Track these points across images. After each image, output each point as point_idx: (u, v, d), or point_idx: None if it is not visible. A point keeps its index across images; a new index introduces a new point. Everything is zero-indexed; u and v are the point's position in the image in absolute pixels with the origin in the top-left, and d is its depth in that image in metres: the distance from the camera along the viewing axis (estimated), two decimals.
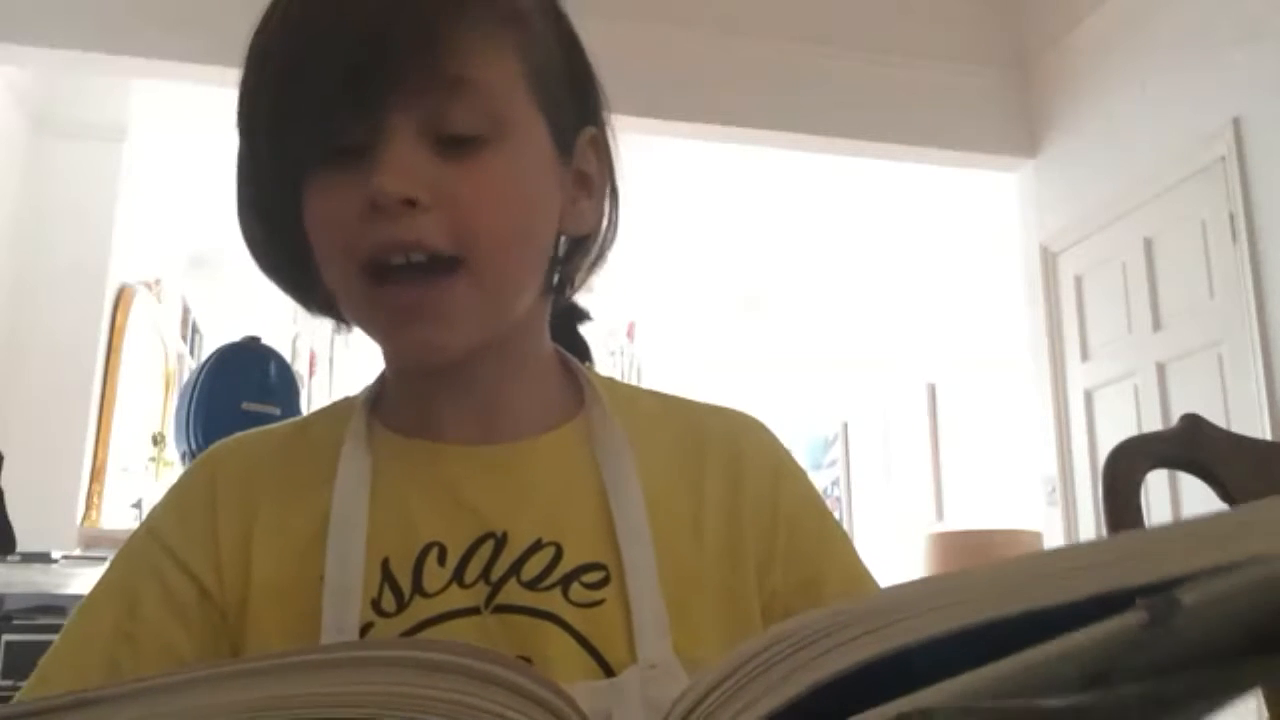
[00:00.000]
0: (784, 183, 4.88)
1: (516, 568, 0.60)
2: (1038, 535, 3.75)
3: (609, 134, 0.68)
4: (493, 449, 0.65)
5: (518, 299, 0.63)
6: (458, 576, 0.60)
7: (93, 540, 3.85)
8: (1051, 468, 3.76)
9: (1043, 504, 3.81)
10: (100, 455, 4.22)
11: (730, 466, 0.67)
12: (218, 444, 0.69)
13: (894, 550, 4.40)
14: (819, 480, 5.51)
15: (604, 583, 0.60)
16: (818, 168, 4.56)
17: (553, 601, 0.59)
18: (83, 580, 2.76)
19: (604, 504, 0.62)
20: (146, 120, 4.34)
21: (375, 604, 0.59)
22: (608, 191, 0.68)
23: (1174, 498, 3.04)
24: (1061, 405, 3.75)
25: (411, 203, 0.56)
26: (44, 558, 2.82)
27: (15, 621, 2.41)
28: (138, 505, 4.65)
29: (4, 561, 2.64)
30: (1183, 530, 0.31)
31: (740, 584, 0.63)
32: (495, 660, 0.30)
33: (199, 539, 0.63)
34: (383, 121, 0.56)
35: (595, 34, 0.70)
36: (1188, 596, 0.28)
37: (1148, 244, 3.40)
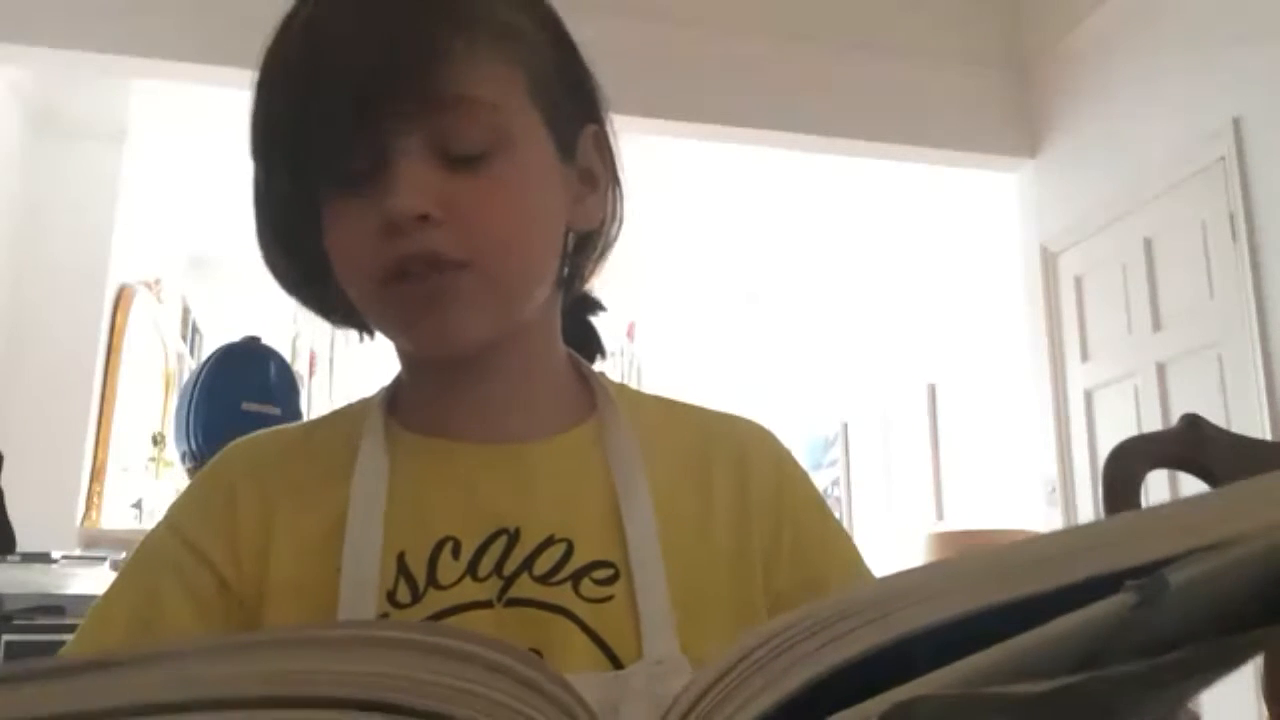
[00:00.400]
0: (784, 183, 4.89)
1: (529, 562, 0.62)
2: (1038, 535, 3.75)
3: (609, 129, 0.71)
4: (507, 448, 0.67)
5: (529, 296, 0.65)
6: (471, 570, 0.62)
7: (93, 540, 3.85)
8: (1051, 468, 3.76)
9: (1043, 504, 3.81)
10: (100, 455, 4.22)
11: (736, 469, 0.69)
12: (237, 441, 0.71)
13: (894, 550, 4.40)
14: (819, 480, 5.51)
15: (613, 579, 0.62)
16: (818, 168, 4.56)
17: (564, 596, 0.61)
18: (83, 580, 2.76)
19: (614, 504, 0.64)
20: (146, 120, 4.34)
21: (390, 596, 0.61)
22: (612, 185, 0.71)
23: (1174, 498, 3.02)
24: (1061, 405, 3.75)
25: (425, 218, 0.59)
26: (44, 558, 2.82)
27: (15, 621, 2.41)
28: (138, 505, 4.66)
29: (4, 561, 2.64)
30: (1170, 512, 0.32)
31: (746, 583, 0.65)
32: (505, 651, 0.30)
33: (218, 532, 0.65)
34: (391, 145, 0.59)
35: (595, 33, 0.70)
36: (1175, 577, 0.28)
37: (1148, 244, 3.40)
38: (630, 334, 5.84)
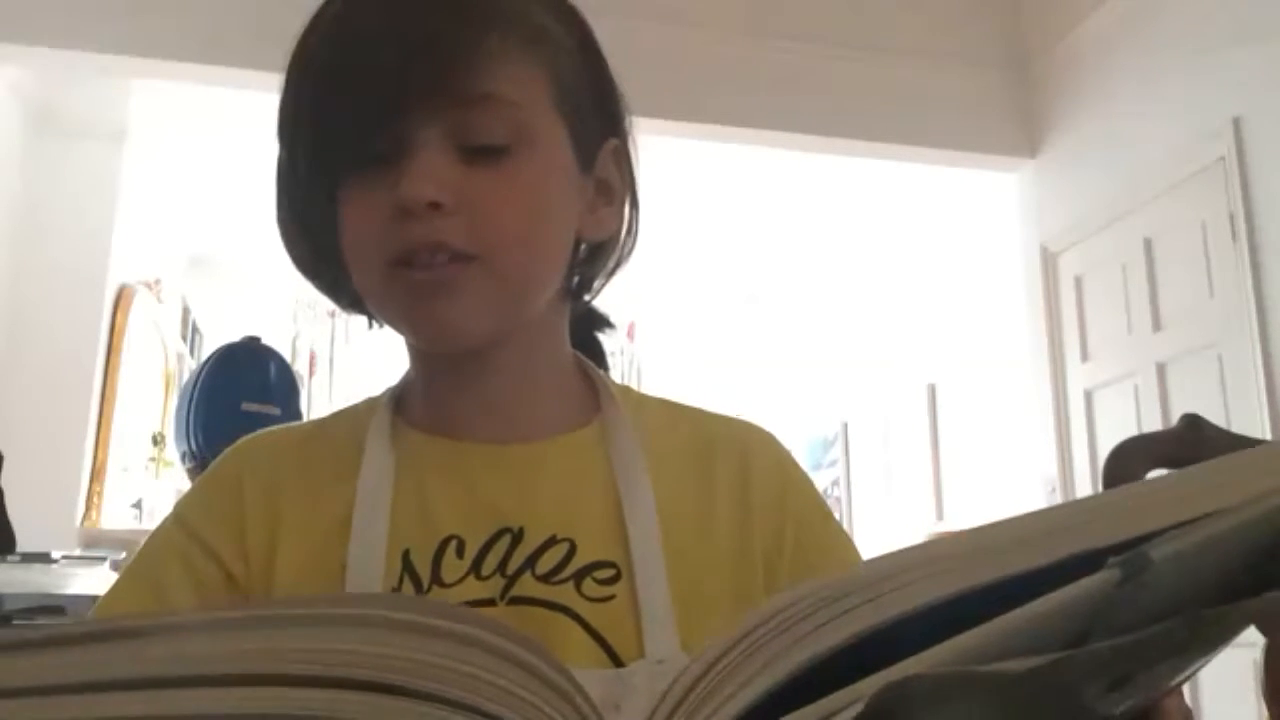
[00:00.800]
0: (784, 183, 4.89)
1: (531, 562, 0.62)
2: None
3: (631, 145, 0.71)
4: (511, 448, 0.67)
5: (533, 294, 0.65)
6: (475, 568, 0.62)
7: (93, 540, 3.85)
8: (1051, 468, 3.76)
9: (1043, 504, 3.81)
10: (100, 455, 4.22)
11: (739, 472, 0.69)
12: (245, 438, 0.72)
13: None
14: (819, 480, 5.51)
15: (615, 580, 0.62)
16: (818, 168, 4.56)
17: (566, 595, 0.61)
18: (83, 580, 2.76)
19: (616, 505, 0.65)
20: (146, 120, 4.34)
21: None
22: (628, 200, 0.71)
23: None
24: (1061, 405, 3.75)
25: (436, 206, 0.59)
26: (44, 558, 2.82)
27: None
28: (138, 505, 4.66)
29: (4, 561, 2.64)
30: (1151, 489, 0.32)
31: (748, 584, 0.65)
32: (507, 635, 0.30)
33: (226, 527, 0.65)
34: (413, 133, 0.60)
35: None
36: (1158, 552, 0.29)
37: (1148, 244, 3.40)
38: (630, 334, 5.84)
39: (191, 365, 5.20)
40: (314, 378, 5.64)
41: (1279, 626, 0.38)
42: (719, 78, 3.67)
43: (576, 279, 0.70)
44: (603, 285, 0.73)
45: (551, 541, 0.63)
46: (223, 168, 4.54)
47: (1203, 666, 0.35)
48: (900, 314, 5.36)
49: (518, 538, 0.63)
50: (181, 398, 2.41)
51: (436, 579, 0.62)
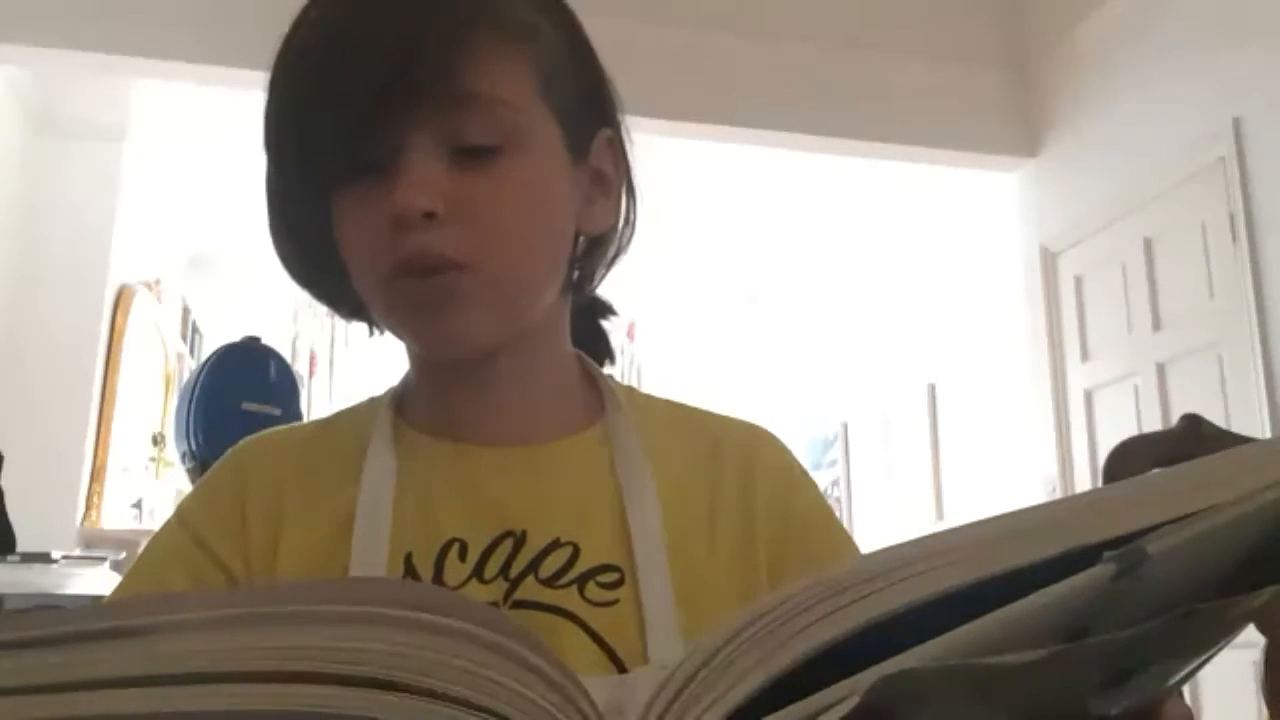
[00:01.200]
0: (784, 183, 4.89)
1: (534, 565, 0.62)
2: None
3: (624, 135, 0.70)
4: (514, 450, 0.67)
5: (535, 298, 0.65)
6: (477, 572, 0.62)
7: (93, 540, 3.85)
8: (1051, 468, 3.76)
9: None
10: (100, 455, 4.22)
11: (744, 473, 0.69)
12: (247, 439, 0.71)
13: None
14: (819, 480, 5.45)
15: (619, 583, 0.62)
16: (818, 168, 4.56)
17: (569, 599, 0.61)
18: (83, 580, 2.76)
19: (620, 508, 0.64)
20: (146, 120, 4.34)
21: None
22: (624, 190, 0.70)
23: None
24: (1061, 405, 3.75)
25: (431, 215, 0.59)
26: (44, 558, 2.82)
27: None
28: (138, 505, 4.66)
29: (4, 561, 2.64)
30: (1148, 485, 0.33)
31: (752, 587, 0.65)
32: (508, 632, 0.30)
33: (228, 528, 0.65)
34: (403, 139, 0.59)
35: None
36: (1154, 546, 0.29)
37: (1148, 244, 3.40)
38: (630, 334, 5.84)
39: (191, 365, 5.20)
40: (314, 378, 5.64)
41: (1279, 626, 0.38)
42: (719, 78, 3.67)
43: (577, 273, 0.70)
44: (603, 276, 0.72)
45: (555, 545, 0.63)
46: (223, 168, 4.53)
47: (1200, 669, 0.35)
48: (900, 314, 5.36)
49: (521, 541, 0.63)
50: (181, 398, 2.41)
51: (439, 582, 0.61)
